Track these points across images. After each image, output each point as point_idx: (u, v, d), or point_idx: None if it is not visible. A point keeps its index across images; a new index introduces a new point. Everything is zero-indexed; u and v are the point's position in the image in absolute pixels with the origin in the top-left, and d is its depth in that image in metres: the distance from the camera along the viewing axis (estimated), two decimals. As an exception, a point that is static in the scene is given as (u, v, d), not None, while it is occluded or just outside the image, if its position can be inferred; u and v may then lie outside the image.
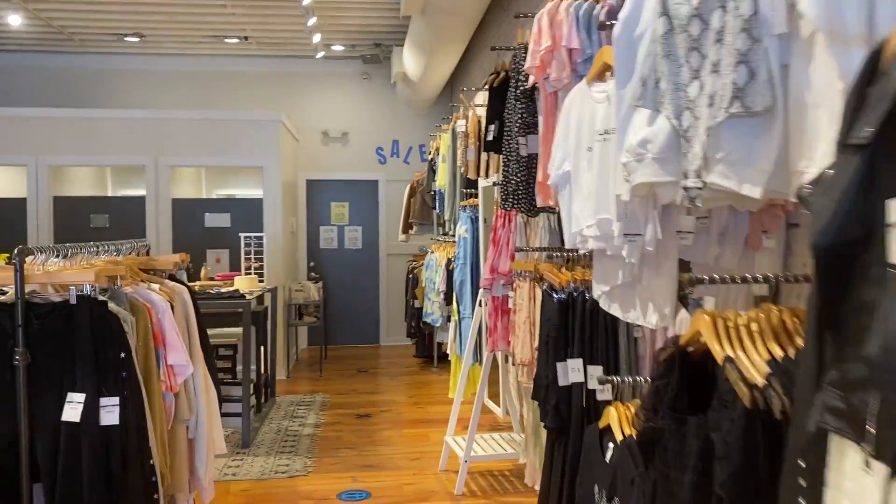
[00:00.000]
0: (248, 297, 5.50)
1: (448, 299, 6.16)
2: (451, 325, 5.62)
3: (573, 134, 2.20)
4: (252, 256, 6.46)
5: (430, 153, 7.41)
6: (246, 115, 7.65)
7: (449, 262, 6.24)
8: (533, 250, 3.78)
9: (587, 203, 2.10)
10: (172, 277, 3.27)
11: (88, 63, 8.93)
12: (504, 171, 3.28)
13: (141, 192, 7.59)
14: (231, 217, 7.77)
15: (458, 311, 5.19)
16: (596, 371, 2.49)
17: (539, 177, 2.80)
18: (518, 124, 3.05)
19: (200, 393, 2.99)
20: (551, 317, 2.66)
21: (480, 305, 4.52)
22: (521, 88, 3.02)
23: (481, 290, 4.38)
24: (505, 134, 3.27)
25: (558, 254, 3.20)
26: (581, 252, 2.60)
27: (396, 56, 8.29)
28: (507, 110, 3.26)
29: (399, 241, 8.77)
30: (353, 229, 9.57)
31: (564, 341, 2.58)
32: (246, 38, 8.26)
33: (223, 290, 5.77)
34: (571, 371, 2.52)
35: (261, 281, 6.42)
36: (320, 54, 8.78)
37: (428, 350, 8.36)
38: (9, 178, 7.92)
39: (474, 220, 5.06)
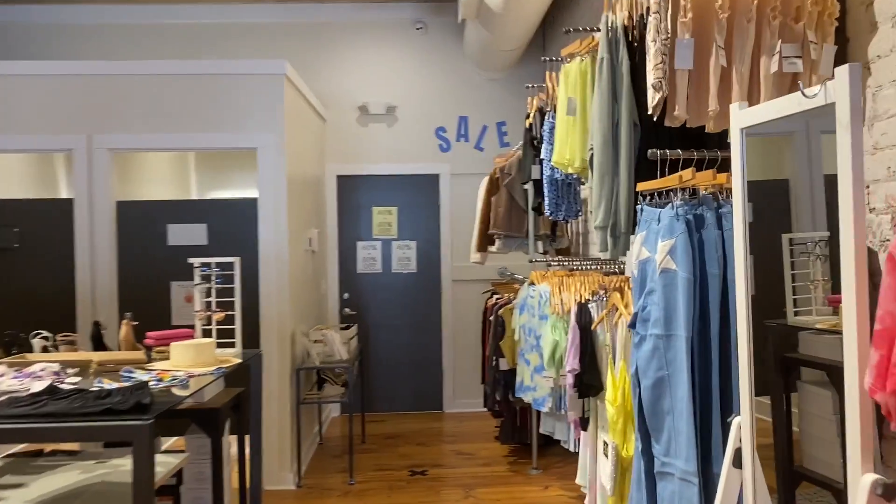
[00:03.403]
0: (180, 388, 2.64)
1: (583, 387, 3.12)
2: (610, 459, 2.60)
3: None
4: (213, 298, 3.57)
5: (530, 112, 4.40)
6: (227, 66, 4.82)
7: (582, 309, 3.22)
8: None
9: None
10: None
11: (18, 15, 6.27)
12: None
13: (71, 191, 4.82)
14: (210, 229, 4.94)
15: (644, 448, 2.14)
16: None
17: None
18: None
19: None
20: None
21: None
22: None
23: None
24: None
25: None
26: None
27: (466, -22, 5.35)
28: None
29: (472, 263, 5.81)
30: (404, 245, 6.66)
31: None
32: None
33: (137, 374, 2.91)
34: None
35: (229, 346, 3.54)
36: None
37: (521, 435, 5.35)
38: None
39: (697, 224, 2.01)
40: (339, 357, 4.99)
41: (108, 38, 6.39)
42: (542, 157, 3.88)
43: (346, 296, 6.63)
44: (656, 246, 1.98)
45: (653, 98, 1.97)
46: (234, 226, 4.91)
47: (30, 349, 3.53)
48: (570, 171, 3.14)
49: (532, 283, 4.43)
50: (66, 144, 4.73)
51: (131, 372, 2.95)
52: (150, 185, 6.51)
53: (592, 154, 2.49)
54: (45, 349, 3.52)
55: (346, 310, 6.60)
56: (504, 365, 4.93)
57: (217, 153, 7.27)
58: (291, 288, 4.87)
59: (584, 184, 3.53)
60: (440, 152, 6.61)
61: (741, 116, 1.61)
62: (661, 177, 2.18)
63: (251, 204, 4.86)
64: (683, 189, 1.94)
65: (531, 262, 4.71)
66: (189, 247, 4.89)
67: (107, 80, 4.74)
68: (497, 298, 5.30)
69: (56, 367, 2.92)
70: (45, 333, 3.54)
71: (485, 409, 5.89)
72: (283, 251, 4.77)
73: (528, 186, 4.54)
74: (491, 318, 5.23)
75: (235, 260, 3.56)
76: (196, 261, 3.52)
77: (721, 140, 2.27)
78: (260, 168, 4.79)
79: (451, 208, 6.61)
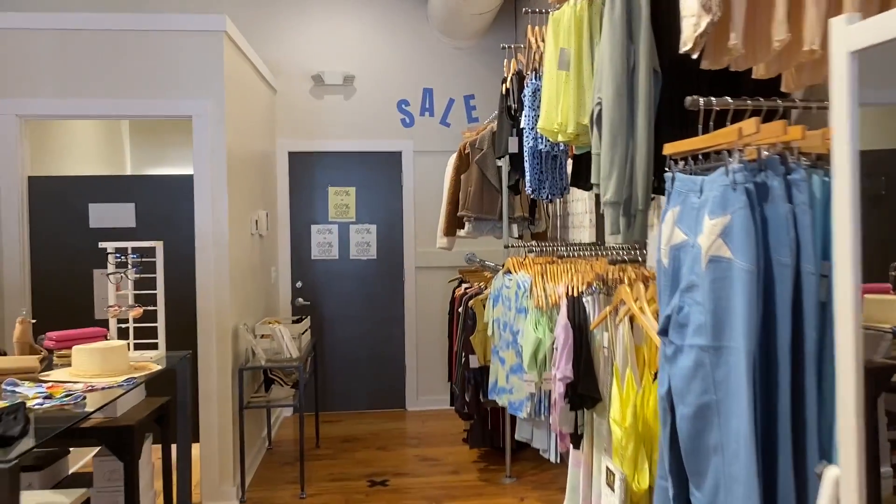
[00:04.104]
0: (74, 406, 2.06)
1: (577, 398, 2.60)
2: (617, 493, 2.09)
3: None
4: (130, 290, 2.97)
5: (506, 76, 3.86)
6: (157, 21, 4.17)
7: (576, 304, 2.70)
8: None
9: None
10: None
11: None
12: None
13: (-29, 165, 4.13)
14: (139, 210, 4.30)
15: (677, 494, 1.63)
16: None
17: None
18: None
19: None
20: None
21: None
22: None
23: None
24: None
25: None
26: None
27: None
28: None
29: (438, 248, 5.27)
30: (362, 229, 6.08)
31: None
32: None
33: (22, 387, 2.32)
34: None
35: (148, 347, 2.94)
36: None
37: (492, 439, 4.84)
38: None
39: (760, 196, 1.45)
40: (289, 355, 4.41)
41: (28, -6, 5.66)
42: (522, 126, 3.34)
43: (298, 284, 6.03)
44: (699, 226, 1.46)
45: (696, 25, 1.45)
46: (166, 206, 4.29)
47: None
48: (560, 138, 2.60)
49: (508, 272, 3.90)
50: (-34, 109, 4.05)
51: (15, 385, 2.35)
52: (77, 162, 5.81)
53: (599, 110, 1.95)
54: (-81, 353, 2.89)
55: (299, 300, 6.01)
56: (475, 362, 4.41)
57: (157, 123, 6.60)
58: (232, 277, 4.27)
59: (573, 156, 3.00)
60: (402, 127, 6.04)
61: (853, 34, 1.10)
62: (688, 137, 1.66)
63: (187, 181, 4.24)
64: (739, 150, 1.41)
65: (507, 247, 4.19)
66: (114, 229, 4.25)
67: (17, 35, 4.06)
68: (466, 288, 4.77)
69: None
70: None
71: (451, 408, 5.38)
72: (223, 235, 4.17)
73: (503, 162, 4.01)
74: (460, 309, 4.70)
75: (157, 245, 2.97)
76: (108, 245, 2.91)
77: (762, 92, 1.76)
78: (196, 139, 4.16)
79: (415, 189, 6.04)
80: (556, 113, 2.59)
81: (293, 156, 6.00)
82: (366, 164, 6.08)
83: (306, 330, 4.99)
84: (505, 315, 3.85)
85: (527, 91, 3.26)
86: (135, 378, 2.52)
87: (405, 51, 6.03)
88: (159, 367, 2.72)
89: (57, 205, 4.23)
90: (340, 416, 6.00)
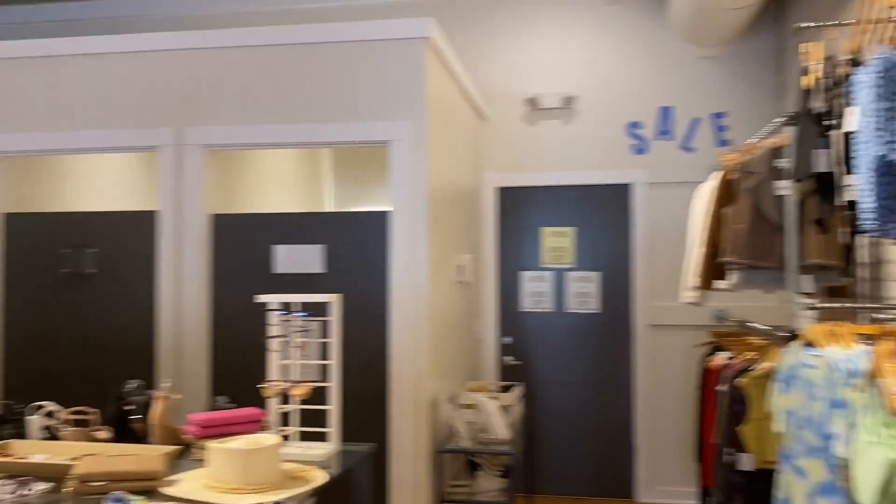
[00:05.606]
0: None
1: None
2: None
3: None
4: (295, 360, 2.22)
5: (808, 67, 2.74)
6: (346, 31, 3.52)
7: None
8: None
9: None
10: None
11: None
12: None
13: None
14: (330, 252, 3.64)
15: None
16: None
17: None
18: None
19: None
20: None
21: None
22: None
23: None
24: None
25: None
26: None
27: None
28: None
29: (683, 303, 4.16)
30: (582, 277, 5.09)
31: None
32: None
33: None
34: None
35: (318, 437, 2.17)
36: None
37: (765, 567, 3.57)
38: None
39: None
40: (498, 435, 3.50)
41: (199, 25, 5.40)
42: (852, 130, 2.22)
43: (506, 340, 5.15)
44: None
45: None
46: (358, 248, 3.59)
47: (23, 432, 2.36)
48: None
49: (809, 344, 2.73)
50: (151, 141, 3.64)
51: (122, 503, 1.63)
52: (268, 196, 5.41)
53: None
54: (47, 430, 2.33)
55: (508, 359, 5.13)
56: (748, 463, 3.22)
57: (355, 154, 6.10)
58: (432, 334, 3.46)
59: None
60: (633, 155, 5.02)
61: None
62: None
63: (380, 219, 3.52)
64: None
65: (809, 307, 3.00)
66: (300, 276, 3.62)
67: (199, 56, 3.61)
68: (728, 359, 3.61)
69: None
70: (51, 407, 2.35)
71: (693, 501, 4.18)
72: (422, 283, 3.38)
73: (792, 188, 2.86)
74: (720, 387, 3.54)
75: (333, 300, 2.20)
76: (266, 298, 2.19)
77: None
78: (393, 169, 3.45)
79: (648, 228, 4.97)
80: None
81: (502, 192, 5.19)
82: (587, 200, 5.12)
83: (517, 401, 4.08)
84: (806, 407, 2.67)
85: (865, 77, 2.14)
86: (285, 498, 1.73)
87: (637, 64, 5.03)
88: (325, 478, 1.92)
89: (239, 246, 3.69)
90: (554, 501, 4.98)
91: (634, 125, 5.02)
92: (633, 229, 5.00)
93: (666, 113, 4.97)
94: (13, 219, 3.82)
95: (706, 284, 3.76)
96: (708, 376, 3.96)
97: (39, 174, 4.22)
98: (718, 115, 4.91)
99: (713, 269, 3.69)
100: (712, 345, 4.22)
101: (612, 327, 5.06)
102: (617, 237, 5.07)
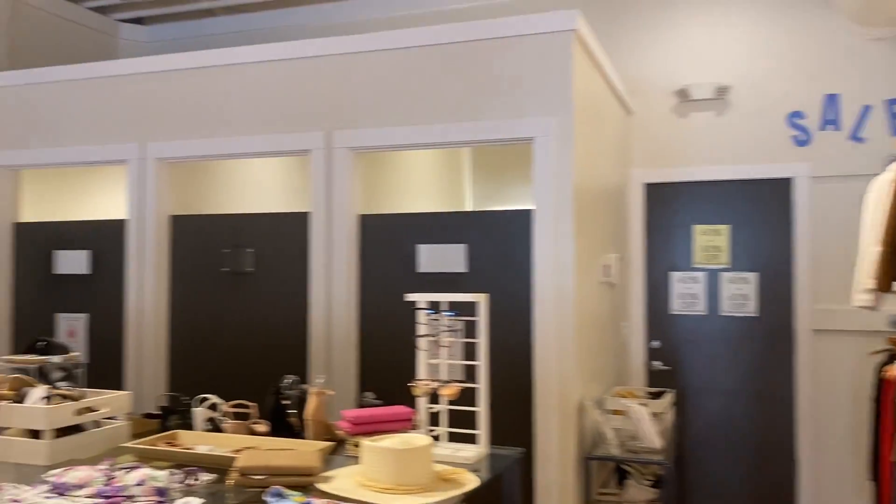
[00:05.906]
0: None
1: None
2: None
3: None
4: (443, 359, 2.20)
5: None
6: (489, 28, 3.47)
7: None
8: None
9: None
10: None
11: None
12: None
13: (310, 207, 3.84)
14: (472, 252, 3.62)
15: None
16: None
17: None
18: None
19: None
20: None
21: None
22: None
23: None
24: None
25: None
26: None
27: None
28: None
29: (854, 307, 3.82)
30: (737, 278, 4.80)
31: None
32: None
33: (289, 503, 1.60)
34: None
35: (467, 439, 2.14)
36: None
37: None
38: None
39: None
40: (650, 443, 3.34)
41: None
42: None
43: (654, 344, 4.94)
44: None
45: None
46: (500, 248, 3.55)
47: (189, 422, 2.48)
48: None
49: None
50: (303, 144, 3.77)
51: (280, 497, 1.66)
52: (413, 197, 5.48)
53: None
54: (210, 422, 2.43)
55: (656, 363, 4.91)
56: (936, 487, 2.89)
57: (496, 154, 6.08)
58: (578, 336, 3.36)
59: None
60: (795, 147, 4.66)
61: None
62: None
63: (523, 217, 3.46)
64: None
65: None
66: (443, 275, 3.62)
67: (345, 61, 3.69)
68: (911, 368, 3.26)
69: (163, 480, 1.73)
70: (214, 400, 2.46)
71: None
72: (568, 283, 3.28)
73: None
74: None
75: (480, 299, 2.16)
76: (415, 297, 2.18)
77: None
78: (537, 166, 3.38)
79: (812, 225, 4.61)
80: None
81: (650, 188, 4.98)
82: (743, 196, 4.81)
83: (668, 408, 3.89)
84: None
85: None
86: (438, 502, 1.70)
87: (797, 49, 4.67)
88: (476, 482, 1.88)
89: (385, 246, 3.74)
90: (707, 515, 4.72)
91: (796, 115, 4.66)
92: (795, 226, 4.64)
93: (832, 101, 4.58)
94: (178, 221, 4.08)
95: (883, 286, 3.42)
96: (885, 387, 3.61)
97: (202, 179, 4.49)
98: (892, 102, 4.46)
99: (892, 270, 3.35)
100: (889, 353, 3.84)
101: (771, 332, 4.72)
102: (777, 235, 4.73)
